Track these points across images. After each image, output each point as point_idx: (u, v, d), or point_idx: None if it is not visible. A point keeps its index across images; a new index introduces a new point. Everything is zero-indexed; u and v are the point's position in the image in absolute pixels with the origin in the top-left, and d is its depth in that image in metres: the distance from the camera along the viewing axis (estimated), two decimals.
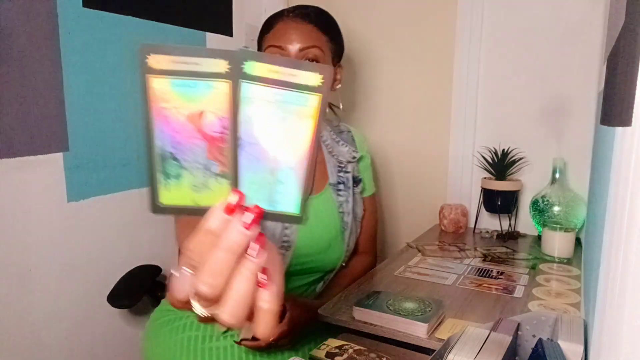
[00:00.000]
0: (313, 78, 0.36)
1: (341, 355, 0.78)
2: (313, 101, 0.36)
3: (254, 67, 0.35)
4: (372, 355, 0.79)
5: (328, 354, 0.78)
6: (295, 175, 0.37)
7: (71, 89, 1.09)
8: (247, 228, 0.35)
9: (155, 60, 0.34)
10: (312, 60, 1.03)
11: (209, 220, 0.36)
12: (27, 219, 1.05)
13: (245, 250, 0.35)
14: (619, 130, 0.44)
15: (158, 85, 0.35)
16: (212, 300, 0.36)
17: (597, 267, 0.59)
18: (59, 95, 1.08)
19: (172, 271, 0.38)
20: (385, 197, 1.70)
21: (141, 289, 1.25)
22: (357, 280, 1.09)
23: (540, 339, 0.66)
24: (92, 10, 1.12)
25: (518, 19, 1.44)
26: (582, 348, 0.62)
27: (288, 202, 0.38)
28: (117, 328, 1.29)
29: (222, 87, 0.35)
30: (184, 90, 0.35)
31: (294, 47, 1.02)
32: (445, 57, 1.55)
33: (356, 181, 1.18)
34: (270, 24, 1.08)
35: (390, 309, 0.86)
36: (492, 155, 1.45)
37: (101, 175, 1.19)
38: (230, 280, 0.35)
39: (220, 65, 0.35)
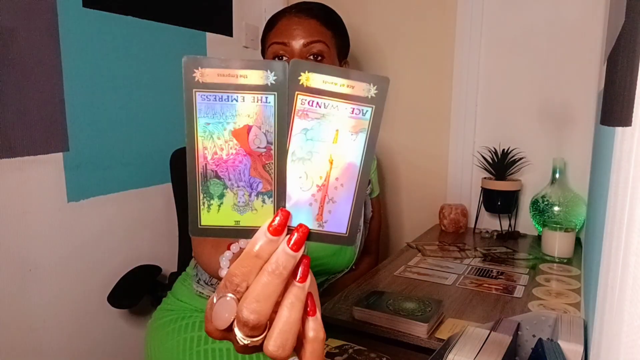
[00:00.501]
0: (368, 89, 0.34)
1: (341, 355, 0.78)
2: (367, 114, 0.35)
3: (309, 79, 0.33)
4: (372, 355, 0.79)
5: (328, 354, 0.78)
6: (346, 193, 0.35)
7: (71, 89, 1.09)
8: (294, 250, 0.33)
9: (201, 74, 0.33)
10: (317, 55, 1.01)
11: (254, 243, 0.34)
12: (27, 219, 1.05)
13: (293, 273, 0.34)
14: (619, 130, 0.44)
15: (203, 100, 0.34)
16: (258, 328, 0.34)
17: (597, 267, 0.59)
18: (59, 95, 1.08)
19: (212, 298, 0.36)
20: (386, 197, 1.70)
21: (141, 289, 1.25)
22: (357, 280, 1.09)
23: (540, 339, 0.66)
24: (92, 10, 1.12)
25: (518, 19, 1.44)
26: (582, 348, 0.62)
27: (337, 221, 0.36)
28: (117, 328, 1.29)
29: (269, 100, 0.34)
30: (230, 104, 0.34)
31: (297, 43, 1.00)
32: (445, 57, 1.55)
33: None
34: (273, 21, 1.07)
35: (390, 309, 0.86)
36: (492, 155, 1.45)
37: (101, 175, 1.19)
38: (277, 308, 0.34)
39: (267, 77, 0.33)
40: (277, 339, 0.34)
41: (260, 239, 0.34)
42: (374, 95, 0.34)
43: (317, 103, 0.34)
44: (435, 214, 1.56)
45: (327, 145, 0.35)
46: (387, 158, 1.68)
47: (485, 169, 1.47)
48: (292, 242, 0.34)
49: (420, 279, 1.09)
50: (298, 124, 0.34)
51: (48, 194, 1.08)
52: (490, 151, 1.46)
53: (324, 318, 0.89)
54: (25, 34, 1.00)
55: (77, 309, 1.17)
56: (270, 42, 1.04)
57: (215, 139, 0.34)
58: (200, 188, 0.35)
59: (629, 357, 0.35)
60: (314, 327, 0.35)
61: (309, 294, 0.35)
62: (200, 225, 0.36)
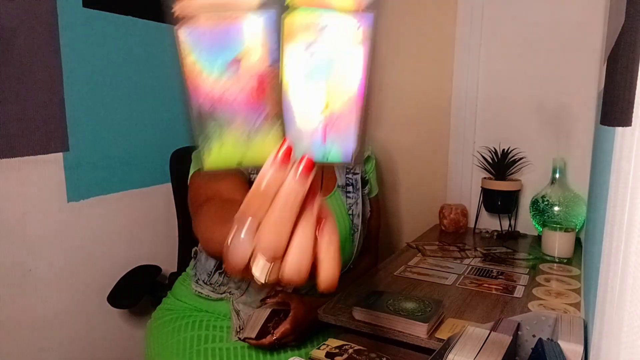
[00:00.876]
0: None
1: (341, 355, 0.78)
2: (364, 23, 0.31)
3: None
4: (372, 355, 0.79)
5: (328, 354, 0.78)
6: (349, 118, 0.33)
7: (71, 89, 1.09)
8: (302, 179, 0.33)
9: (182, 8, 0.30)
10: None
11: (261, 178, 0.33)
12: (27, 219, 1.05)
13: (304, 203, 0.33)
14: (619, 130, 0.44)
15: (187, 36, 0.31)
16: (276, 259, 0.33)
17: (597, 267, 0.59)
18: (59, 95, 1.08)
19: (227, 241, 0.35)
20: (386, 197, 1.70)
21: (141, 289, 1.25)
22: (357, 280, 1.09)
23: (540, 339, 0.66)
24: (92, 10, 1.12)
25: (518, 19, 1.44)
26: (582, 348, 0.62)
27: (341, 150, 0.33)
28: (117, 328, 1.29)
29: (270, 16, 0.31)
30: (218, 37, 0.31)
31: None
32: (445, 57, 1.55)
33: (364, 182, 1.18)
34: None
35: (390, 309, 0.86)
36: (492, 155, 1.45)
37: (101, 175, 1.19)
38: (291, 236, 0.33)
39: None
40: (292, 265, 0.34)
41: (267, 173, 0.33)
42: (371, 2, 0.31)
43: (307, 17, 0.31)
44: (435, 214, 1.56)
45: (330, 64, 0.32)
46: (387, 158, 1.68)
47: (485, 169, 1.47)
48: (299, 171, 0.33)
49: (420, 279, 1.09)
50: (288, 48, 0.31)
51: (48, 194, 1.08)
52: (490, 151, 1.46)
53: (324, 318, 0.89)
54: (25, 34, 1.00)
55: (77, 309, 1.17)
56: None
57: (205, 77, 0.32)
58: (199, 131, 0.33)
59: (629, 357, 0.35)
60: (325, 248, 0.35)
61: (320, 220, 0.35)
62: (205, 169, 0.34)
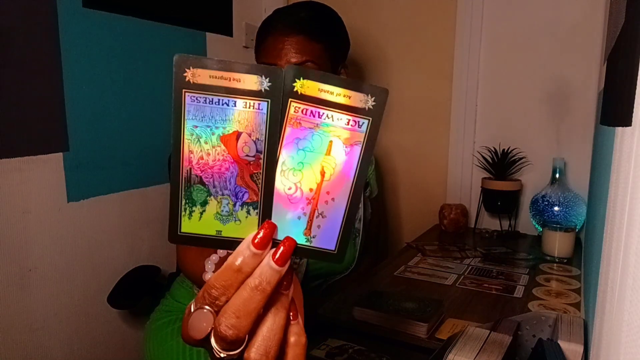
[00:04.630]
0: (366, 100, 0.32)
1: (341, 355, 0.78)
2: (363, 126, 0.33)
3: (304, 86, 0.32)
4: (372, 355, 0.79)
5: (328, 354, 0.78)
6: (338, 208, 0.34)
7: (71, 89, 1.09)
8: (279, 264, 0.32)
9: (193, 75, 0.31)
10: None
11: (236, 256, 0.32)
12: (27, 219, 1.05)
13: (277, 287, 0.32)
14: (619, 130, 0.44)
15: (193, 102, 0.32)
16: (236, 343, 0.32)
17: (597, 267, 0.59)
18: (59, 95, 1.08)
19: (190, 306, 0.35)
20: (386, 197, 1.70)
21: (141, 290, 1.25)
22: (357, 280, 1.09)
23: (540, 339, 0.66)
24: (92, 10, 1.12)
25: (518, 19, 1.44)
26: (582, 348, 0.62)
27: (326, 237, 0.34)
28: (117, 328, 1.29)
29: (262, 107, 0.32)
30: (220, 108, 0.32)
31: (285, 64, 0.96)
32: (445, 57, 1.55)
33: (365, 185, 1.18)
34: (261, 36, 1.03)
35: (390, 309, 0.86)
36: (492, 155, 1.45)
37: (101, 175, 1.19)
38: (261, 317, 0.33)
39: (261, 83, 0.32)
40: (260, 347, 0.33)
41: (243, 252, 0.32)
42: (371, 107, 0.32)
43: (312, 112, 0.32)
44: (435, 214, 1.56)
45: (320, 157, 0.33)
46: (387, 158, 1.68)
47: (485, 169, 1.48)
48: (277, 255, 0.32)
49: (420, 279, 1.09)
50: (290, 133, 0.33)
51: (48, 194, 1.08)
52: (490, 151, 1.46)
53: (324, 318, 0.89)
54: (25, 34, 1.00)
55: (77, 309, 1.17)
56: (260, 60, 1.02)
57: (202, 143, 0.33)
58: (183, 193, 0.33)
59: (629, 357, 0.35)
60: (296, 332, 0.34)
61: (292, 300, 0.34)
62: (180, 232, 0.34)
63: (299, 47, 0.97)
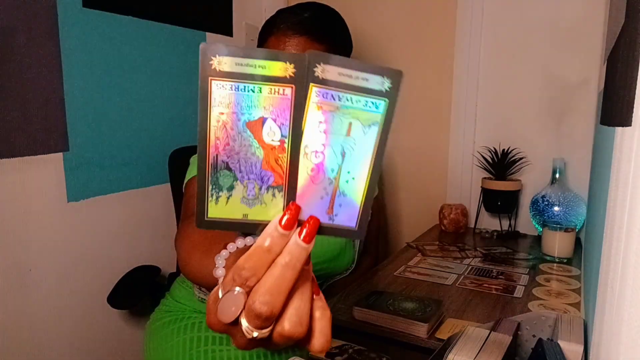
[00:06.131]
0: (382, 82, 0.34)
1: (341, 355, 0.78)
2: (381, 107, 0.35)
3: (325, 71, 0.33)
4: (372, 355, 0.79)
5: (328, 354, 0.78)
6: (357, 186, 0.35)
7: (71, 89, 1.09)
8: (306, 242, 0.34)
9: (219, 62, 0.32)
10: None
11: (264, 237, 0.34)
12: (27, 219, 1.05)
13: (304, 264, 0.34)
14: (619, 130, 0.44)
15: (219, 89, 0.33)
16: (269, 319, 0.34)
17: (597, 267, 0.59)
18: (59, 95, 1.08)
19: (216, 292, 0.36)
20: (386, 197, 1.70)
21: (141, 290, 1.25)
22: (357, 280, 1.09)
23: (540, 339, 0.66)
24: (92, 10, 1.12)
25: (518, 19, 1.44)
26: (582, 348, 0.62)
27: (347, 215, 0.36)
28: (117, 328, 1.29)
29: (286, 93, 0.33)
30: (246, 95, 0.33)
31: None
32: (445, 57, 1.55)
33: None
34: (263, 36, 1.02)
35: (390, 309, 0.86)
36: (492, 155, 1.45)
37: (101, 175, 1.19)
38: (290, 293, 0.34)
39: (286, 69, 0.33)
40: (292, 317, 0.34)
41: (272, 234, 0.34)
42: (387, 88, 0.35)
43: (332, 95, 0.34)
44: (435, 214, 1.56)
45: (340, 138, 0.34)
46: (387, 158, 1.68)
47: (485, 169, 1.48)
48: (303, 234, 0.34)
49: (420, 279, 1.09)
50: (312, 117, 0.34)
51: (48, 194, 1.08)
52: (490, 151, 1.46)
53: None
54: (25, 34, 1.00)
55: (77, 309, 1.17)
56: None
57: (228, 129, 0.34)
58: (210, 179, 0.34)
59: (629, 357, 0.35)
60: (321, 305, 0.36)
61: (313, 278, 0.36)
62: (207, 217, 0.35)
63: (302, 48, 0.96)
